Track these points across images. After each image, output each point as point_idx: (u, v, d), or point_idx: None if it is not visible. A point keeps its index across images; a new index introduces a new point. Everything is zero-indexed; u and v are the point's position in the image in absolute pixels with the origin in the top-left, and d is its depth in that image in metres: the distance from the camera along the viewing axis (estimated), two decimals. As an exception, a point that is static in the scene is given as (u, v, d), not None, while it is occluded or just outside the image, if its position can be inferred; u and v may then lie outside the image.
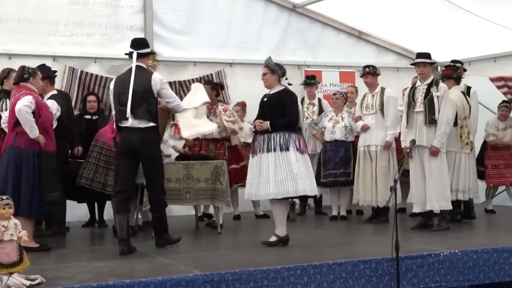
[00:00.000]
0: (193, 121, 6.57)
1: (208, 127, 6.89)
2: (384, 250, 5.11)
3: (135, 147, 5.73)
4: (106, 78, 8.64)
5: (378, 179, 7.48)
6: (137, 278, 4.39)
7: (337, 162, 8.01)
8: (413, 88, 6.97)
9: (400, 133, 7.54)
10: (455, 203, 7.14)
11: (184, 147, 8.00)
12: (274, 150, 5.79)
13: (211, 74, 9.26)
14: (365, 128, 7.61)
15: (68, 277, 4.53)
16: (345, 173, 7.99)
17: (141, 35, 8.98)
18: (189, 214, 7.98)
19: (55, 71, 7.46)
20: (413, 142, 6.48)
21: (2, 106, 6.18)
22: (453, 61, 8.00)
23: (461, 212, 7.51)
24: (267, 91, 6.06)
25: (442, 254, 5.30)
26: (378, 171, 7.50)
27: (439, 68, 9.96)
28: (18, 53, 8.06)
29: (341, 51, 10.15)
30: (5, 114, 6.06)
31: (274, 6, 9.80)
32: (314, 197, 8.63)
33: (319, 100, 8.85)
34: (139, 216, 7.34)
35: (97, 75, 8.62)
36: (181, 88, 8.72)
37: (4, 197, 4.39)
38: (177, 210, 8.02)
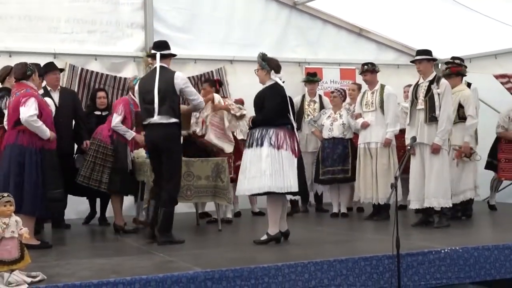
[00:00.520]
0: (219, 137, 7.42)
1: (227, 147, 7.49)
2: (385, 247, 5.11)
3: (157, 142, 5.92)
4: (107, 75, 8.65)
5: (379, 176, 7.49)
6: (138, 275, 4.39)
7: (335, 159, 8.01)
8: (417, 85, 6.97)
9: (400, 130, 7.61)
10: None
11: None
12: (251, 145, 5.84)
13: (212, 72, 9.26)
14: (365, 126, 7.62)
15: (69, 274, 4.53)
16: (343, 170, 8.00)
17: (142, 33, 9.03)
18: (189, 211, 7.99)
19: (62, 69, 7.48)
20: (413, 139, 6.49)
21: (5, 104, 6.15)
22: (453, 58, 7.98)
23: (461, 209, 7.52)
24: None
25: (443, 251, 5.30)
26: (378, 168, 7.51)
27: (439, 65, 9.96)
28: (18, 50, 8.04)
29: (341, 48, 10.14)
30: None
31: (274, 3, 9.80)
32: (318, 194, 8.71)
33: (320, 97, 8.86)
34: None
35: (97, 73, 8.62)
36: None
37: (5, 195, 4.39)
38: (177, 207, 7.98)
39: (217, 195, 6.84)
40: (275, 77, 5.96)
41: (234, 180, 7.08)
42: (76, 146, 7.40)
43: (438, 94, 6.71)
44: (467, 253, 5.36)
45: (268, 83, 5.97)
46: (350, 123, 7.98)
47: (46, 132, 5.77)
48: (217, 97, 7.54)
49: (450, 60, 7.86)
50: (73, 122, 7.38)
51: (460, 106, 7.22)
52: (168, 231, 5.94)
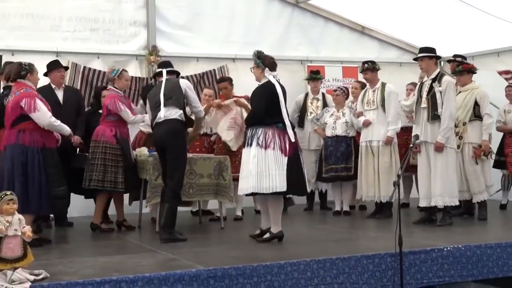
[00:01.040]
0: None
1: (226, 136, 7.49)
2: (387, 245, 5.12)
3: (161, 138, 6.04)
4: (109, 74, 8.66)
5: (381, 174, 7.49)
6: (141, 273, 4.39)
7: (338, 157, 8.02)
8: (422, 83, 6.97)
9: (401, 128, 7.63)
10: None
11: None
12: (244, 145, 5.90)
13: (214, 70, 9.25)
14: (367, 124, 7.62)
15: (72, 272, 4.54)
16: (346, 168, 8.00)
17: (144, 31, 9.03)
18: (184, 210, 7.98)
19: (67, 67, 7.48)
20: (416, 137, 6.45)
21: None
22: (455, 56, 7.97)
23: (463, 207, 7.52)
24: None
25: (445, 249, 5.30)
26: (380, 167, 7.51)
27: (442, 63, 9.96)
28: (21, 49, 8.07)
29: (344, 46, 10.14)
30: None
31: (276, 1, 9.80)
32: (322, 192, 8.71)
33: (323, 95, 8.86)
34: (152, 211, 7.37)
35: (100, 71, 8.60)
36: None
37: (8, 193, 4.39)
38: (179, 206, 8.01)
39: (219, 193, 6.85)
40: (269, 75, 5.95)
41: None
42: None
43: (440, 92, 6.70)
44: (470, 251, 5.36)
45: (263, 81, 5.98)
46: (352, 121, 7.98)
47: (66, 128, 5.93)
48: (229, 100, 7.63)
49: (452, 58, 7.85)
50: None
51: (476, 104, 7.20)
52: (172, 228, 5.96)
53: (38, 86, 6.69)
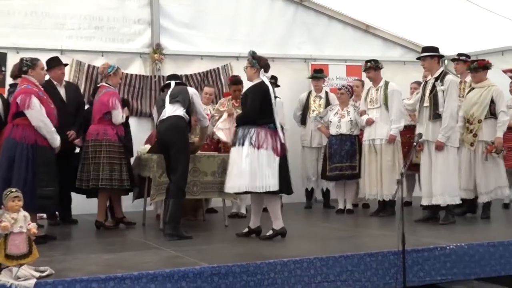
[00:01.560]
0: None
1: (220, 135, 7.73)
2: (390, 243, 5.13)
3: (164, 133, 6.13)
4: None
5: (383, 173, 7.51)
6: (145, 270, 4.42)
7: (342, 156, 8.03)
8: (426, 82, 6.98)
9: (404, 127, 7.64)
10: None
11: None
12: (235, 144, 5.93)
13: (218, 68, 9.27)
14: (370, 122, 7.64)
15: (76, 268, 4.56)
16: (351, 167, 8.01)
17: (148, 29, 9.04)
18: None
19: (66, 64, 7.50)
20: (419, 135, 6.48)
21: None
22: (459, 55, 7.98)
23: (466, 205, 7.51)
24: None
25: (448, 247, 5.32)
26: (383, 165, 7.53)
27: (446, 61, 9.95)
28: (26, 47, 8.07)
29: (347, 45, 10.12)
30: None
31: (280, -1, 9.83)
32: (324, 191, 8.73)
33: (326, 93, 8.88)
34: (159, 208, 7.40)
35: (104, 69, 8.63)
36: (188, 82, 8.71)
37: (13, 190, 4.42)
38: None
39: (223, 191, 6.85)
40: (263, 76, 6.01)
41: None
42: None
43: (443, 91, 6.72)
44: (472, 249, 5.38)
45: (255, 81, 6.02)
46: (356, 120, 8.00)
47: (56, 139, 5.81)
48: None
49: (456, 57, 7.86)
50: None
51: (492, 102, 7.07)
52: (177, 223, 6.00)
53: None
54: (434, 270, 5.22)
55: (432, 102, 6.77)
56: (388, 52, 10.36)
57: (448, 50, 9.14)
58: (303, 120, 8.86)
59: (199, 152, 6.96)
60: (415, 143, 6.33)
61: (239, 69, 9.26)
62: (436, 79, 6.81)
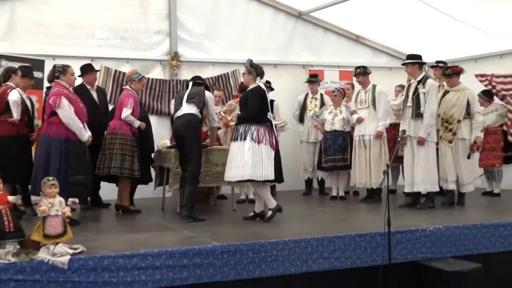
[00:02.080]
0: None
1: None
2: (377, 226, 5.13)
3: (179, 129, 6.17)
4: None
5: (372, 164, 7.49)
6: (164, 248, 4.43)
7: (336, 149, 8.02)
8: (409, 85, 6.97)
9: (389, 124, 7.64)
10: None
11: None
12: (236, 139, 5.93)
13: (228, 73, 9.26)
14: (360, 120, 7.62)
15: (105, 246, 4.58)
16: (343, 159, 8.00)
17: (167, 39, 9.04)
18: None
19: (98, 70, 7.50)
20: (403, 132, 6.54)
21: None
22: (438, 62, 7.96)
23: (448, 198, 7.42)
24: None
25: (428, 229, 5.31)
26: (371, 157, 7.51)
27: (426, 67, 9.91)
28: (60, 54, 8.06)
29: (340, 53, 10.09)
30: None
31: (282, 13, 9.77)
32: (320, 179, 8.73)
33: (321, 95, 8.87)
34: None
35: (129, 74, 8.64)
36: (202, 85, 8.69)
37: (50, 178, 4.44)
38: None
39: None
40: (259, 81, 6.06)
41: None
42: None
43: (424, 93, 6.71)
44: (449, 231, 5.38)
45: (252, 86, 6.05)
46: (348, 118, 7.99)
47: (84, 134, 5.82)
48: None
49: (435, 64, 7.83)
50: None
51: (468, 104, 6.95)
52: (192, 206, 6.02)
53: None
54: (416, 249, 5.22)
55: (415, 103, 6.76)
56: (375, 59, 10.32)
57: (428, 57, 9.09)
58: (301, 119, 8.88)
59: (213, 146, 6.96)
60: (399, 138, 6.34)
61: (246, 74, 9.29)
62: (419, 82, 6.81)
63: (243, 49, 9.30)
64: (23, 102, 6.37)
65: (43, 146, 5.77)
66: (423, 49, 8.55)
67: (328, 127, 8.13)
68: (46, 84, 7.08)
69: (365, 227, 5.35)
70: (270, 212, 5.95)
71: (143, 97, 8.56)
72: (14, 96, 6.24)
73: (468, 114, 6.96)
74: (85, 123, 5.96)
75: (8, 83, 6.40)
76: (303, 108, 8.84)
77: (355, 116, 7.71)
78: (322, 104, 8.66)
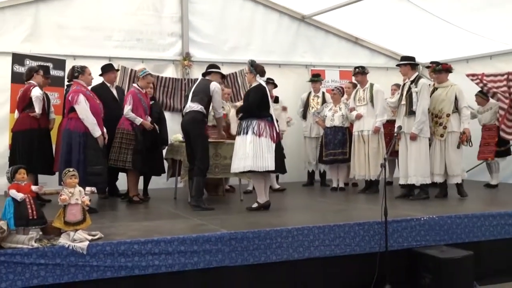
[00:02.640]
0: None
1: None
2: (375, 215, 5.11)
3: (185, 125, 6.19)
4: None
5: (370, 158, 7.45)
6: (176, 235, 4.42)
7: (336, 144, 7.98)
8: (404, 84, 6.93)
9: (386, 121, 7.58)
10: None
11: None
12: (240, 133, 5.94)
13: (236, 72, 9.21)
14: (359, 117, 7.58)
15: (121, 233, 4.57)
16: (343, 153, 7.96)
17: (179, 40, 9.00)
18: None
19: (118, 69, 7.48)
20: (399, 127, 6.49)
21: None
22: (432, 63, 7.88)
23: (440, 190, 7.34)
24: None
25: (422, 218, 5.28)
26: (370, 151, 7.46)
27: (421, 68, 9.83)
28: (80, 55, 8.07)
29: (341, 54, 10.02)
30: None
31: (287, 17, 9.70)
32: (321, 172, 8.68)
33: (323, 93, 8.82)
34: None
35: (144, 73, 8.60)
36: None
37: (71, 169, 4.46)
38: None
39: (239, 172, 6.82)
40: (259, 80, 6.05)
41: None
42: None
43: (416, 92, 6.66)
44: (442, 220, 5.34)
45: (254, 84, 6.06)
46: (347, 115, 7.94)
47: (97, 130, 5.81)
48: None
49: (430, 64, 7.75)
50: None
51: (456, 99, 6.83)
52: (199, 197, 6.03)
53: (95, 84, 6.78)
54: (411, 237, 5.19)
55: (408, 101, 6.74)
56: (373, 60, 10.24)
57: (422, 58, 9.06)
58: (304, 115, 8.84)
59: (221, 140, 6.92)
60: (395, 134, 6.30)
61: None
62: (412, 82, 6.77)
63: (250, 50, 9.25)
64: (43, 98, 6.43)
65: (65, 139, 5.85)
66: (418, 50, 8.49)
67: (328, 123, 8.08)
68: (66, 82, 7.06)
69: (364, 217, 5.32)
70: (255, 204, 5.92)
71: (157, 94, 8.53)
72: (36, 92, 6.32)
73: (457, 108, 6.86)
74: (101, 119, 5.97)
75: (30, 81, 6.44)
76: (306, 105, 8.80)
77: (354, 113, 7.67)
78: (324, 101, 8.62)
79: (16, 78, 7.06)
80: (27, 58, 7.45)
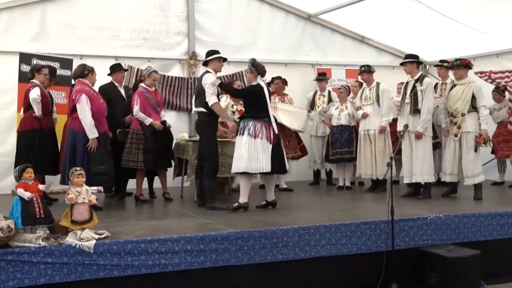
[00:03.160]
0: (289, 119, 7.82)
1: (295, 125, 7.89)
2: (381, 214, 5.08)
3: (196, 129, 6.36)
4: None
5: (377, 157, 7.41)
6: (183, 234, 4.41)
7: (342, 143, 7.95)
8: (407, 83, 6.87)
9: (392, 119, 7.50)
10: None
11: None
12: (237, 134, 5.93)
13: (242, 71, 9.19)
14: (365, 116, 7.54)
15: (128, 232, 4.57)
16: (349, 151, 7.93)
17: (186, 40, 9.00)
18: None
19: (126, 69, 7.48)
20: (406, 126, 6.46)
21: None
22: (441, 61, 7.88)
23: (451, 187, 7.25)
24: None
25: (429, 217, 5.24)
26: (376, 150, 7.43)
27: (427, 66, 9.81)
28: (87, 54, 8.09)
29: (347, 52, 9.99)
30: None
31: (293, 15, 9.68)
32: (327, 171, 8.65)
33: (329, 92, 8.80)
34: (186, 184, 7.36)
35: (150, 72, 8.60)
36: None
37: (78, 168, 4.44)
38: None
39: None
40: (259, 80, 6.00)
41: (296, 158, 7.99)
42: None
43: (421, 91, 6.61)
44: (449, 219, 5.31)
45: (254, 83, 6.02)
46: (353, 113, 7.91)
47: (93, 132, 5.79)
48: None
49: (439, 63, 7.72)
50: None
51: (473, 97, 6.59)
52: (213, 198, 6.03)
53: (103, 83, 6.79)
54: (417, 236, 5.15)
55: (412, 100, 6.69)
56: (379, 58, 10.20)
57: (429, 56, 9.02)
58: (310, 114, 8.80)
59: (227, 139, 6.89)
60: (402, 133, 6.26)
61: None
62: (416, 80, 6.72)
63: (256, 49, 9.24)
64: (44, 97, 6.39)
65: (70, 139, 5.86)
66: (424, 49, 8.45)
67: (334, 122, 8.05)
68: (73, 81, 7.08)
69: (370, 216, 5.29)
70: (236, 204, 5.89)
71: (164, 93, 8.52)
72: (34, 94, 6.29)
73: (474, 107, 6.62)
74: (105, 118, 6.04)
75: (33, 80, 6.46)
76: (312, 104, 8.77)
77: (360, 112, 7.63)
78: (330, 100, 8.59)
79: (23, 78, 7.08)
80: (34, 58, 7.47)
